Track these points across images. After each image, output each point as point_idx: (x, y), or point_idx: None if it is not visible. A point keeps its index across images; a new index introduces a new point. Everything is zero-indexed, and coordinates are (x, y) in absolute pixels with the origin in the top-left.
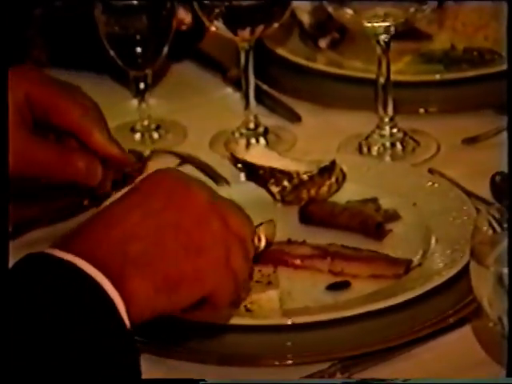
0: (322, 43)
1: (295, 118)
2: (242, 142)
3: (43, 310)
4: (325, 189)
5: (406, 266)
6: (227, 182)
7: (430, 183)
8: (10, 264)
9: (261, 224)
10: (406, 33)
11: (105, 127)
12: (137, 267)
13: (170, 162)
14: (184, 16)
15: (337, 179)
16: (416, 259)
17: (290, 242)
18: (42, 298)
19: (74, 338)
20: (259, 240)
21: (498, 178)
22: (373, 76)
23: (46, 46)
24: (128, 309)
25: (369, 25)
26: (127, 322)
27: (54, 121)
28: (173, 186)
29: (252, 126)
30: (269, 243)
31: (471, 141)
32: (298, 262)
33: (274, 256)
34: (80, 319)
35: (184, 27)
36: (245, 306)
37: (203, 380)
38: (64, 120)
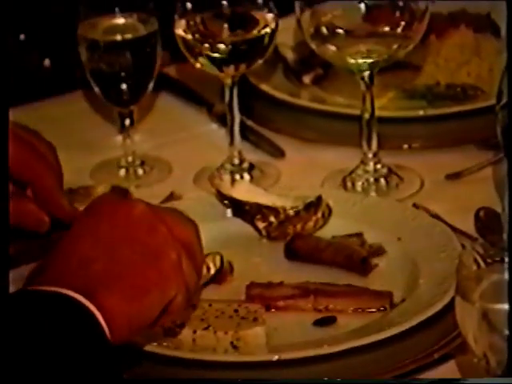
0: (306, 79)
1: (279, 153)
2: (227, 177)
3: (39, 340)
4: (311, 224)
5: (390, 297)
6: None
7: (414, 218)
8: None
9: (208, 254)
10: (393, 64)
11: (58, 177)
12: (103, 284)
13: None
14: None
15: (323, 214)
16: (401, 294)
17: (268, 285)
18: (36, 330)
19: (66, 356)
20: (208, 269)
21: (481, 213)
22: (357, 112)
23: None
24: (108, 327)
25: (352, 61)
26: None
27: (14, 175)
28: (115, 206)
29: (237, 161)
30: (218, 270)
31: (455, 176)
32: (281, 303)
33: (256, 301)
34: (71, 342)
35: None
36: (231, 343)
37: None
38: (23, 176)
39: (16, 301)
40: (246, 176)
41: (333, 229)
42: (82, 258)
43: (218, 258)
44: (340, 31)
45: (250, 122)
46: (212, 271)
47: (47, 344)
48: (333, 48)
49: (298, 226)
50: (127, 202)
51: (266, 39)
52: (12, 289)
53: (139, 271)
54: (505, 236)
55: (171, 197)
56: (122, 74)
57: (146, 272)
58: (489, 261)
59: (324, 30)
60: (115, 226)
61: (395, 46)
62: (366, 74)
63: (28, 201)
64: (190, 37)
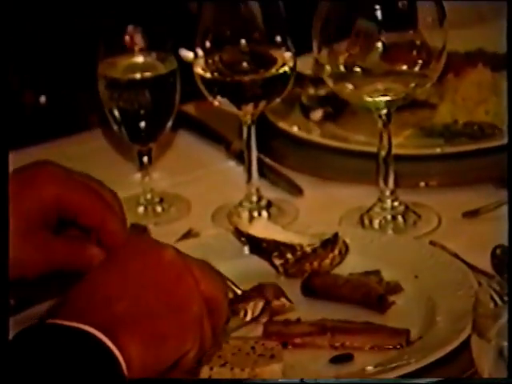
0: (315, 116)
1: (297, 191)
2: (245, 215)
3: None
4: (327, 261)
5: (407, 335)
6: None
7: (431, 256)
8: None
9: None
10: (410, 103)
11: (123, 223)
12: (124, 325)
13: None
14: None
15: (340, 252)
16: (418, 331)
17: (285, 322)
18: (56, 364)
19: None
20: (245, 314)
21: (498, 250)
22: (374, 149)
23: None
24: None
25: (370, 99)
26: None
27: (80, 221)
28: (145, 249)
29: (254, 199)
30: (254, 318)
31: (472, 214)
32: (298, 341)
33: (274, 338)
34: (90, 379)
35: None
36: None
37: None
38: (90, 222)
39: (37, 333)
40: (264, 213)
41: (350, 266)
42: (107, 295)
43: (259, 306)
44: (357, 70)
45: (267, 160)
46: (248, 318)
47: (66, 380)
48: (350, 86)
49: (315, 263)
50: (158, 247)
51: (284, 78)
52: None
53: (160, 320)
54: None
55: (189, 234)
56: (141, 111)
57: (167, 321)
58: (506, 298)
59: (342, 68)
60: (144, 269)
61: (413, 85)
62: (384, 112)
63: (92, 245)
64: (208, 75)
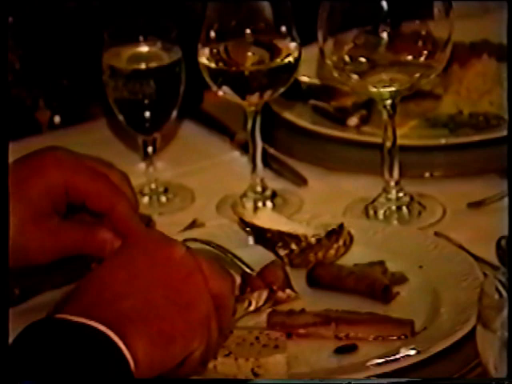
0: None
1: (302, 181)
2: (250, 205)
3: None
4: (332, 252)
5: (412, 325)
6: None
7: (436, 247)
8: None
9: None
10: (415, 93)
11: (133, 206)
12: (132, 323)
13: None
14: None
15: (344, 242)
16: (422, 322)
17: (290, 312)
18: (63, 359)
19: None
20: (249, 304)
21: (503, 241)
22: (379, 140)
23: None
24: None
25: (374, 90)
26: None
27: (90, 206)
28: (155, 245)
29: (259, 189)
30: (257, 309)
31: (477, 205)
32: (302, 331)
33: (278, 328)
34: (98, 375)
35: None
36: (252, 370)
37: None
38: (99, 207)
39: (44, 327)
40: (269, 204)
41: (355, 257)
42: (115, 292)
43: (263, 296)
44: (362, 60)
45: (272, 150)
46: (252, 308)
47: (73, 376)
48: (355, 77)
49: (320, 254)
50: (168, 243)
51: (289, 68)
52: (20, 321)
53: (168, 318)
54: None
55: (193, 224)
56: (146, 101)
57: (175, 320)
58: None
59: (347, 58)
60: (153, 266)
61: (417, 75)
62: (388, 102)
63: (105, 230)
64: (213, 65)
